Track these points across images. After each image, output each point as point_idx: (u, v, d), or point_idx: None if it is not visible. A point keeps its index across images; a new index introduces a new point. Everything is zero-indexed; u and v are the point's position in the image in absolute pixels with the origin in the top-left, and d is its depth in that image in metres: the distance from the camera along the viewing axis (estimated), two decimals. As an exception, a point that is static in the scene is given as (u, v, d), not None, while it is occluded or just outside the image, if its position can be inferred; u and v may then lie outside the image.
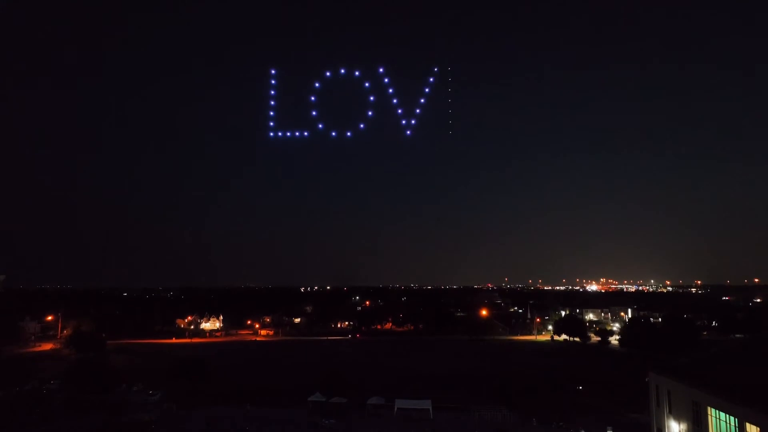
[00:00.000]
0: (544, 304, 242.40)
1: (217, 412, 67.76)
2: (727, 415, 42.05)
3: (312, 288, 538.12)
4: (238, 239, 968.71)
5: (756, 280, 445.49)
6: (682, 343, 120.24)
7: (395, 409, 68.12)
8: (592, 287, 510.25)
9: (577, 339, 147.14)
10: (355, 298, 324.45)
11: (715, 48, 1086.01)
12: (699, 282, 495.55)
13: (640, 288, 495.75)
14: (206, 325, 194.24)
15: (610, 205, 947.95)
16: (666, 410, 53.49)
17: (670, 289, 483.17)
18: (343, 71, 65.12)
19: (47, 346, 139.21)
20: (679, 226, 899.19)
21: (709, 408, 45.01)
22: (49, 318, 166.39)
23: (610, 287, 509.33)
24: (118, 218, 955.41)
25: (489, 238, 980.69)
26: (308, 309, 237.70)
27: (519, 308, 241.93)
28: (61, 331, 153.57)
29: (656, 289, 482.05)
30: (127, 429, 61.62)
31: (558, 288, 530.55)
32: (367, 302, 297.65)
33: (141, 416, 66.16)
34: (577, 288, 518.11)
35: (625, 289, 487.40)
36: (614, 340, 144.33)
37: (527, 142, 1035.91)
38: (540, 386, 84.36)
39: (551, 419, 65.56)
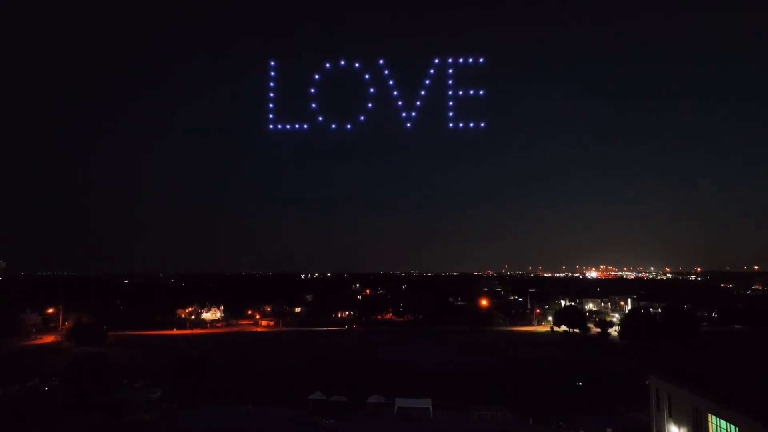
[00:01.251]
0: (544, 292, 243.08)
1: (217, 412, 67.93)
2: (729, 424, 41.85)
3: (313, 275, 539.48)
4: (241, 227, 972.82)
5: (755, 267, 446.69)
6: (682, 335, 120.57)
7: (395, 408, 68.21)
8: (592, 274, 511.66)
9: (576, 330, 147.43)
10: (355, 285, 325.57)
11: (715, 45, 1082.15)
12: (699, 269, 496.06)
13: (640, 275, 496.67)
14: (207, 315, 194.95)
15: (611, 194, 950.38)
16: (666, 414, 53.38)
17: (669, 275, 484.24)
18: (342, 63, 64.16)
19: (48, 339, 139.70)
20: (680, 213, 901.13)
21: (709, 415, 44.85)
22: (50, 310, 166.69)
23: (609, 274, 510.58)
24: (121, 206, 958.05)
25: (490, 227, 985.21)
26: (309, 297, 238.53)
27: (518, 297, 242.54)
28: (62, 323, 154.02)
29: (656, 276, 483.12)
30: (127, 429, 61.78)
31: (558, 275, 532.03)
32: (368, 290, 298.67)
33: (141, 416, 66.27)
34: (577, 275, 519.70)
35: (624, 276, 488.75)
36: (614, 331, 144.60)
37: (528, 132, 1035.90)
38: (540, 383, 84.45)
39: (551, 419, 65.65)
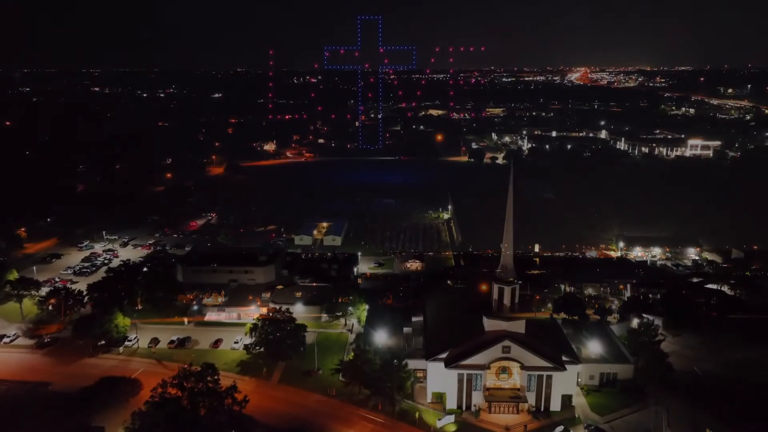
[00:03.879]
0: (543, 276, 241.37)
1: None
2: (728, 442, 42.15)
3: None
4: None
5: (754, 246, 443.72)
6: (680, 327, 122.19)
7: None
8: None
9: (575, 318, 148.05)
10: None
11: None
12: (698, 249, 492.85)
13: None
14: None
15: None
16: (665, 423, 53.86)
17: (668, 255, 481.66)
18: (342, 51, 62.95)
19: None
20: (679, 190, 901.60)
21: (708, 430, 45.40)
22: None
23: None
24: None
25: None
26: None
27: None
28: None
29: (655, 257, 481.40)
30: None
31: (558, 254, 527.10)
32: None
33: None
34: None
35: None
36: (613, 319, 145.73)
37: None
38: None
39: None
